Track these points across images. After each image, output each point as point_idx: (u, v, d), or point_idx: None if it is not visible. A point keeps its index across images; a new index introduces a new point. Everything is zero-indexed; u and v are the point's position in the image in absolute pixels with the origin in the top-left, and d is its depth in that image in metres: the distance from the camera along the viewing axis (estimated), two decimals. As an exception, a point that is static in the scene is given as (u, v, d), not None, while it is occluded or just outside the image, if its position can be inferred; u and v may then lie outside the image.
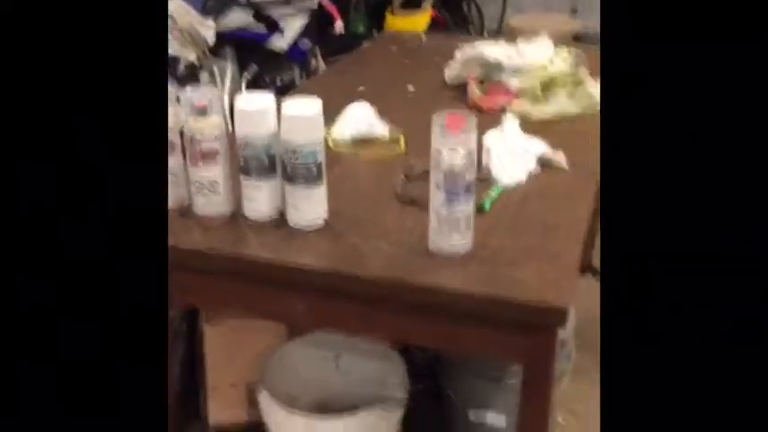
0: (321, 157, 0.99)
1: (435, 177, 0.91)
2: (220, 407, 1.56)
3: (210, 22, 1.69)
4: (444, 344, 1.08)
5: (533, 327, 0.92)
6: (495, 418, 1.47)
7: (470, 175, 0.91)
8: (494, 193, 1.12)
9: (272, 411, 1.35)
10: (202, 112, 1.00)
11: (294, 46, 1.95)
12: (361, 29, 3.15)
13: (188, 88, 1.01)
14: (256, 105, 1.00)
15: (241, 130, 1.00)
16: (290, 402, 1.36)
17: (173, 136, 1.05)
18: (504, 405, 1.44)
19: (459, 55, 1.60)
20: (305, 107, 0.99)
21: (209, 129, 1.01)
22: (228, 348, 1.54)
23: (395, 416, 1.40)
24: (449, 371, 1.55)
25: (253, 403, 1.53)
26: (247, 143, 1.00)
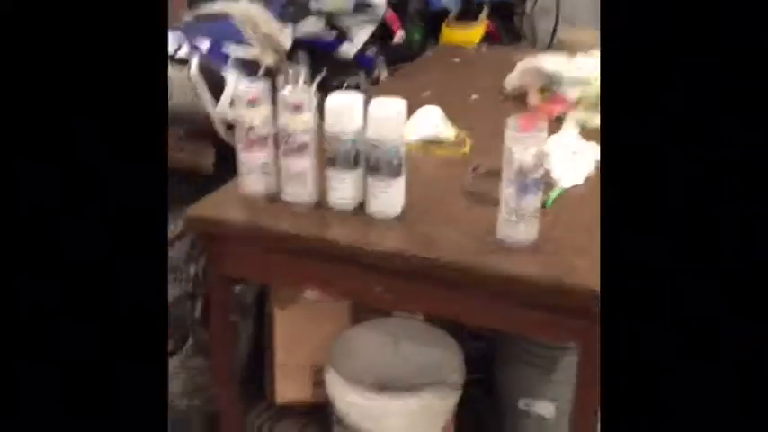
0: (402, 153, 1.10)
1: (507, 172, 1.02)
2: (287, 386, 1.68)
3: (288, 29, 1.82)
4: (509, 326, 1.18)
5: (590, 312, 1.01)
6: (544, 407, 1.56)
7: (539, 172, 1.01)
8: (555, 192, 1.21)
9: (338, 389, 1.46)
10: (297, 109, 1.12)
11: (361, 53, 2.06)
12: (417, 39, 3.27)
13: (286, 88, 1.13)
14: (345, 104, 1.12)
15: (330, 126, 1.12)
16: (354, 383, 1.47)
17: (265, 130, 1.17)
18: (553, 395, 1.53)
19: (519, 66, 1.70)
20: (389, 107, 1.10)
21: (301, 124, 1.13)
22: (296, 331, 1.66)
23: (450, 400, 1.49)
24: (500, 361, 1.64)
25: (317, 383, 1.65)
26: (336, 138, 1.11)
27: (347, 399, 1.44)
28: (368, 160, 1.11)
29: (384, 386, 1.48)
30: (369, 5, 2.04)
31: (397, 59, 2.36)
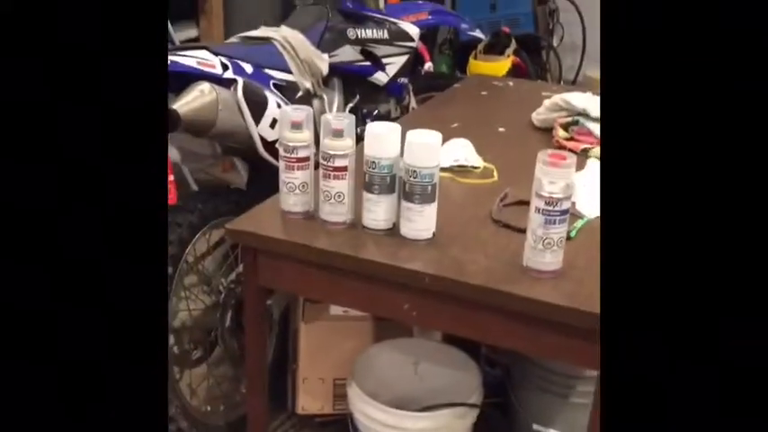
0: (436, 179, 1.17)
1: (536, 202, 1.08)
2: (309, 398, 1.73)
3: (325, 56, 1.90)
4: (531, 349, 1.23)
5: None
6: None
7: (566, 204, 1.08)
8: (579, 224, 1.27)
9: (360, 404, 1.51)
10: (339, 134, 1.20)
11: (392, 81, 2.14)
12: (444, 70, 3.36)
13: (328, 114, 1.21)
14: (384, 132, 1.19)
15: (369, 151, 1.19)
16: (372, 398, 1.52)
17: (306, 152, 1.24)
18: (567, 421, 1.57)
19: (546, 102, 1.77)
20: (426, 136, 1.17)
21: (342, 148, 1.20)
22: (321, 346, 1.72)
23: (467, 421, 1.54)
24: (516, 386, 1.69)
25: (338, 397, 1.70)
26: (374, 163, 1.18)
27: (368, 413, 1.49)
28: (404, 185, 1.18)
29: (403, 404, 1.53)
30: (404, 36, 2.13)
31: (424, 88, 2.44)
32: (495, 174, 1.48)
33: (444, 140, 1.52)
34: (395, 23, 2.12)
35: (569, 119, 1.69)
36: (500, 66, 3.01)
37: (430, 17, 2.43)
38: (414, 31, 2.16)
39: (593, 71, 3.40)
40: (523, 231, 1.13)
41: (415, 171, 1.16)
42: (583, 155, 1.57)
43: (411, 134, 1.17)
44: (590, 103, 1.66)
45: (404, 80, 2.19)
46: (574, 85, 3.66)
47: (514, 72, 3.06)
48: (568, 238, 1.20)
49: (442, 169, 1.46)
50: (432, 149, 1.17)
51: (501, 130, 1.79)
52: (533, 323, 1.10)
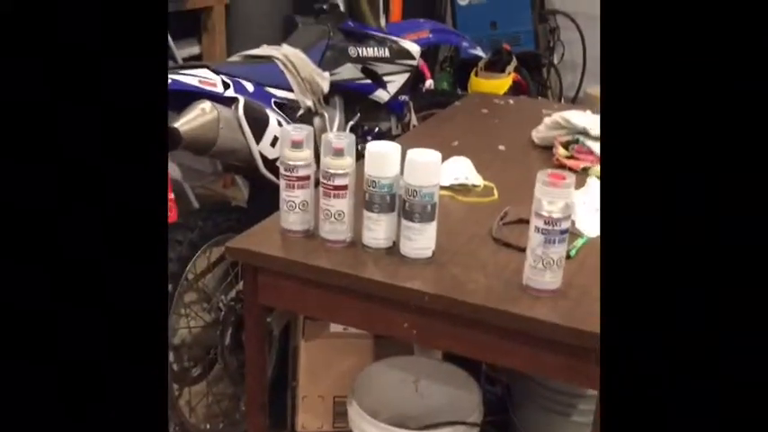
0: (436, 198, 1.17)
1: (536, 222, 1.08)
2: (308, 415, 1.73)
3: (326, 74, 1.91)
4: (531, 367, 1.22)
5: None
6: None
7: (566, 223, 1.08)
8: (579, 242, 1.27)
9: (360, 422, 1.50)
10: (339, 153, 1.20)
11: (393, 99, 2.16)
12: (446, 87, 3.38)
13: (329, 133, 1.21)
14: (384, 151, 1.19)
15: (370, 170, 1.19)
16: (372, 416, 1.52)
17: (307, 170, 1.25)
18: (568, 439, 1.57)
19: (546, 120, 1.78)
20: (426, 156, 1.17)
21: (342, 167, 1.21)
22: (321, 364, 1.72)
23: (467, 439, 1.54)
24: (517, 404, 1.68)
25: (338, 415, 1.70)
26: (374, 182, 1.19)
27: (366, 430, 1.49)
28: (404, 204, 1.18)
29: (403, 422, 1.52)
30: (405, 54, 2.14)
31: (425, 106, 2.46)
32: (496, 192, 1.49)
33: (444, 158, 1.54)
34: (396, 42, 2.14)
35: (569, 137, 1.69)
36: (501, 83, 3.02)
37: (431, 35, 2.44)
38: (414, 49, 2.18)
39: (594, 89, 3.41)
40: (523, 250, 1.14)
41: (415, 190, 1.16)
42: (583, 173, 1.57)
43: (411, 153, 1.17)
44: (590, 121, 1.67)
45: (405, 98, 2.21)
46: (574, 102, 3.68)
47: (515, 89, 3.07)
48: (568, 257, 1.21)
49: (442, 187, 1.47)
50: (431, 168, 1.17)
51: (501, 148, 1.79)
52: (532, 342, 1.10)
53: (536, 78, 3.32)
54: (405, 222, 1.19)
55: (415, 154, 1.17)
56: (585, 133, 1.66)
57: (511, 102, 2.29)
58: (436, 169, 1.18)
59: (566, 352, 1.08)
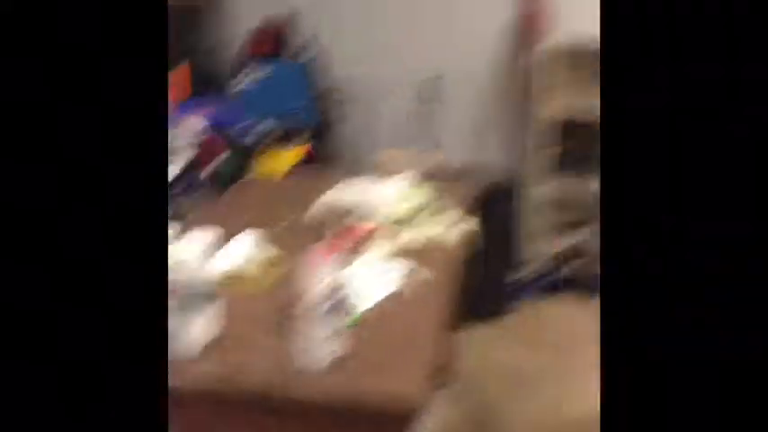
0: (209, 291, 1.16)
1: (304, 302, 1.11)
2: None
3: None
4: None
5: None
6: None
7: (334, 299, 1.11)
8: (353, 317, 1.30)
9: None
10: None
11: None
12: (228, 171, 3.29)
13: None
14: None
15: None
16: None
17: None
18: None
19: (317, 203, 1.84)
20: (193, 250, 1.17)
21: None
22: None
23: None
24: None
25: None
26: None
27: None
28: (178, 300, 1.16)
29: None
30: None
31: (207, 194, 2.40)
32: (271, 276, 1.49)
33: (225, 243, 1.53)
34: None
35: (341, 215, 1.75)
36: (290, 157, 3.06)
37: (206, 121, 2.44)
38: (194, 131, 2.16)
39: (384, 154, 3.54)
40: (300, 332, 1.15)
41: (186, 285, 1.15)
42: (358, 245, 1.62)
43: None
44: (364, 194, 1.75)
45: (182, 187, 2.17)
46: (364, 170, 3.78)
47: (307, 160, 3.13)
48: (346, 328, 1.24)
49: (222, 274, 1.46)
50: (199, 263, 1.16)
51: (279, 228, 1.79)
52: (313, 422, 1.11)
53: (327, 147, 3.42)
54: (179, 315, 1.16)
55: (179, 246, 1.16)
56: (355, 211, 1.72)
57: (290, 181, 2.31)
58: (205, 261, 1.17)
59: (349, 425, 1.10)
